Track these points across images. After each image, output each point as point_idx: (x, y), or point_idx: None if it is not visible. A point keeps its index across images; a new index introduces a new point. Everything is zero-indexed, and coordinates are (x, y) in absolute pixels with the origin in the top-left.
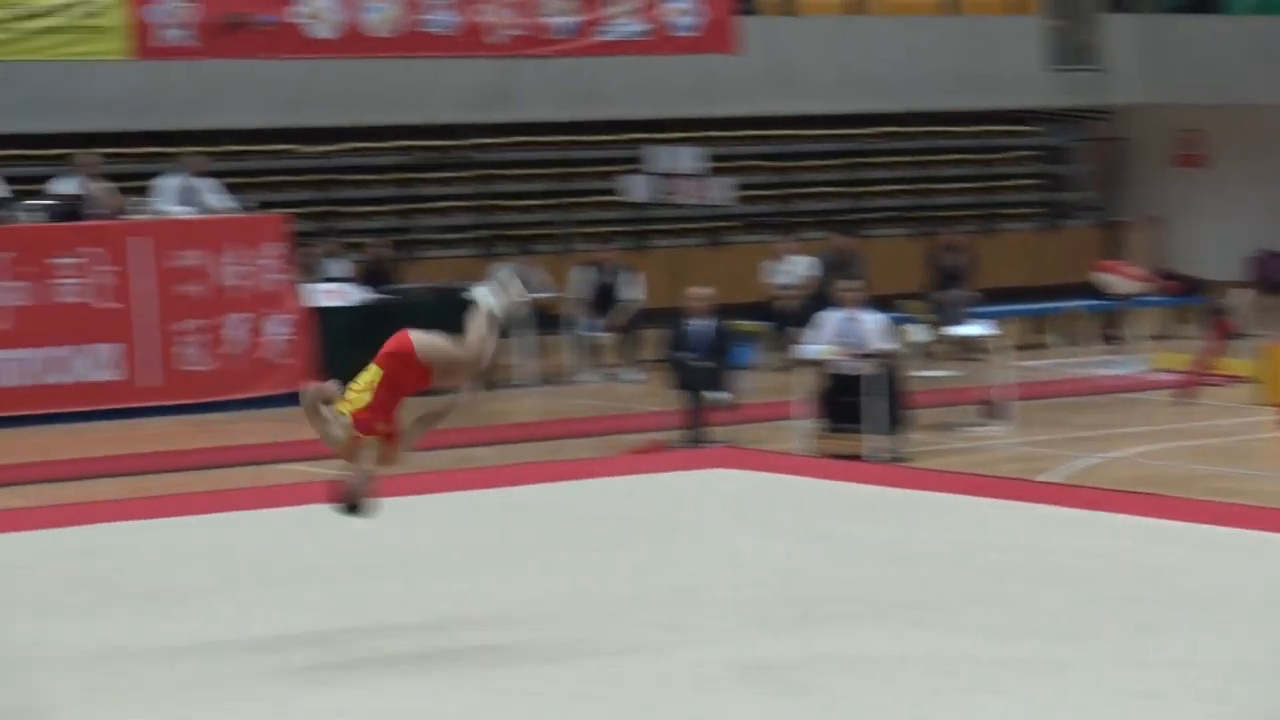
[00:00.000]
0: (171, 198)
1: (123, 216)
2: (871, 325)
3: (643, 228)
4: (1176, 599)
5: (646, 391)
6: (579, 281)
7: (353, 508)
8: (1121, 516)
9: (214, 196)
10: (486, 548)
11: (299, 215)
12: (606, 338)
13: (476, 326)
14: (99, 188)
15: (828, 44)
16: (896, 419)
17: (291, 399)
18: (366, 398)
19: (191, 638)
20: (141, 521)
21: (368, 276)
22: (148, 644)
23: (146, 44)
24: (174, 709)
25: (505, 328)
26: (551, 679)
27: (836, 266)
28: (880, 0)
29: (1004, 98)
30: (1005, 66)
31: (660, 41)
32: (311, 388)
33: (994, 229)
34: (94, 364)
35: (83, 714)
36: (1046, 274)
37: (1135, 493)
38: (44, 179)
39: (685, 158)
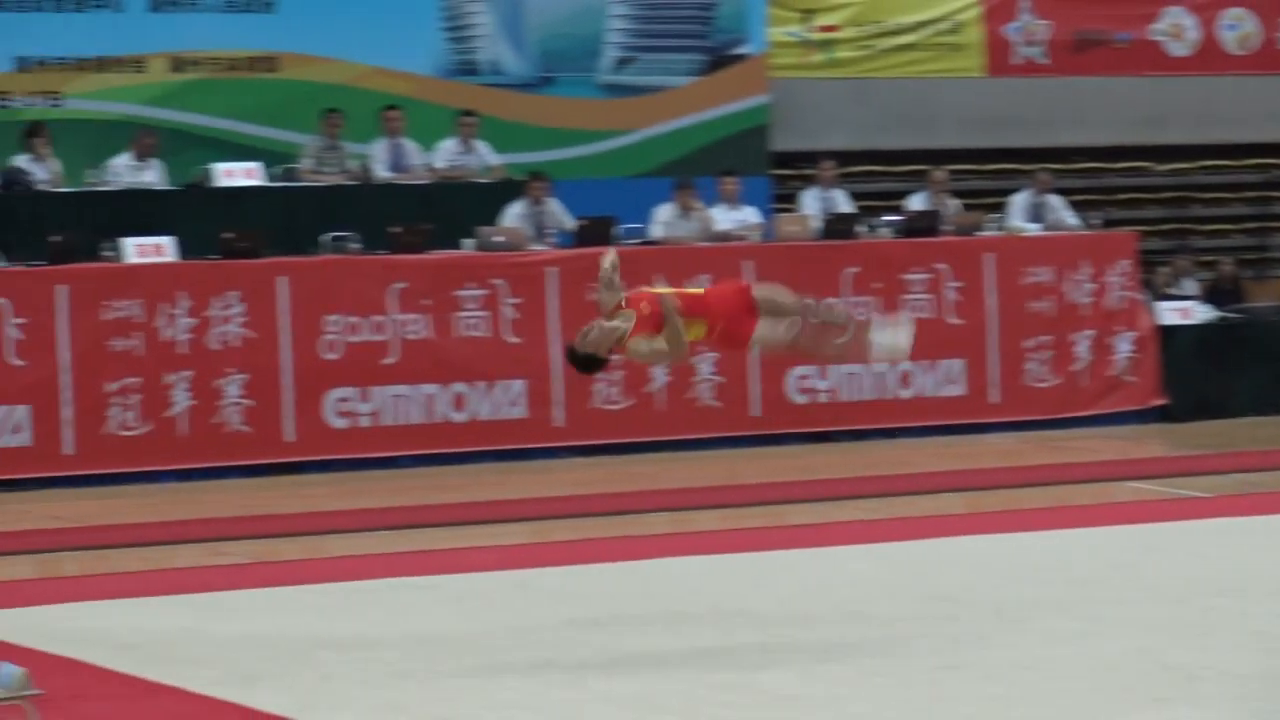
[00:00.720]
0: (1020, 214)
1: (975, 233)
2: None
3: None
4: None
5: None
6: None
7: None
8: None
9: (1063, 213)
10: None
11: (1150, 233)
12: None
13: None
14: (950, 204)
15: None
16: None
17: (1136, 417)
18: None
19: (1030, 653)
20: (981, 536)
21: (1214, 295)
22: (993, 658)
23: (1002, 61)
24: None
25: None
26: None
27: None
28: None
29: None
30: None
31: None
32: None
33: None
34: (943, 380)
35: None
36: None
37: None
38: (894, 195)
39: None
